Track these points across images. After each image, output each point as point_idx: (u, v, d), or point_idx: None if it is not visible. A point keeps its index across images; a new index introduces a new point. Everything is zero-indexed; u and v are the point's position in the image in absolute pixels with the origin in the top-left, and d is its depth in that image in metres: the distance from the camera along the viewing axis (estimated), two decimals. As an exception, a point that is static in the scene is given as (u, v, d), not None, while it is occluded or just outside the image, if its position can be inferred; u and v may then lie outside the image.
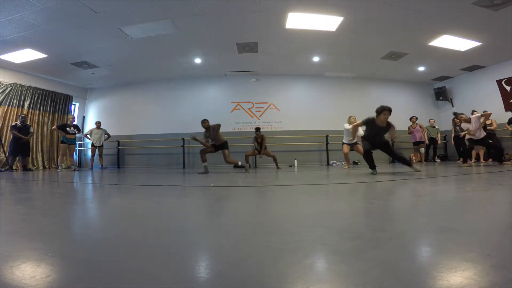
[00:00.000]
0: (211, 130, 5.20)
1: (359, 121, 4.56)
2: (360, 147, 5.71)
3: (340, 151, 6.29)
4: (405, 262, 0.75)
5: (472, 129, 5.47)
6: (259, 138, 6.69)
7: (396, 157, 4.35)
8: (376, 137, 4.24)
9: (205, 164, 5.19)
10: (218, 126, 5.21)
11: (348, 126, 5.97)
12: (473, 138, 5.55)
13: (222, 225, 1.32)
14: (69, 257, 0.84)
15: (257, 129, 6.76)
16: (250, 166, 6.91)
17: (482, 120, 5.47)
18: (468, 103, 8.24)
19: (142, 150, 8.98)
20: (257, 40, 6.27)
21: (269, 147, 8.36)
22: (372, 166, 4.17)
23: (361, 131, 5.72)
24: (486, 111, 6.28)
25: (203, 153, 5.24)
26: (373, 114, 4.18)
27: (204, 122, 5.28)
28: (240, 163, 5.47)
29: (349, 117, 6.22)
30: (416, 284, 0.62)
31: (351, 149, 6.07)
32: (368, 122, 4.20)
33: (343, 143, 6.16)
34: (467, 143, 5.75)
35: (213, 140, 5.26)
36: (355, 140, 5.88)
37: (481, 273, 0.66)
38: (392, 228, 1.15)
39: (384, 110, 4.05)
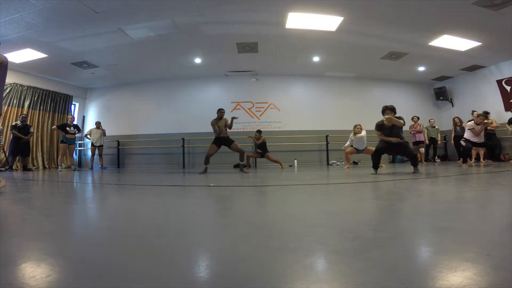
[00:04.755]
0: (222, 121, 5.25)
1: (380, 134, 4.30)
2: (370, 149, 5.57)
3: (340, 151, 6.26)
4: (405, 262, 0.75)
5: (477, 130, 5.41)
6: (258, 139, 6.81)
7: (411, 157, 4.23)
8: (392, 135, 4.16)
9: (206, 166, 5.20)
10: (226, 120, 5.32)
11: (362, 134, 5.84)
12: (473, 140, 5.50)
13: (222, 225, 1.32)
14: (69, 257, 0.84)
15: (258, 131, 6.94)
16: (250, 166, 6.92)
17: (481, 127, 5.40)
18: (468, 103, 8.23)
19: (142, 150, 8.98)
20: (257, 40, 6.27)
21: (269, 147, 8.40)
22: (376, 166, 4.19)
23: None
24: (487, 112, 6.25)
25: (209, 156, 5.23)
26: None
27: (221, 112, 5.28)
28: (244, 162, 5.45)
29: (354, 126, 5.95)
30: (416, 284, 0.62)
31: (358, 152, 6.09)
32: (380, 126, 4.23)
33: (349, 147, 6.11)
34: (463, 143, 5.65)
35: (221, 130, 5.28)
36: (365, 146, 5.94)
37: (481, 273, 0.66)
38: (392, 228, 1.15)
39: (387, 110, 4.12)
